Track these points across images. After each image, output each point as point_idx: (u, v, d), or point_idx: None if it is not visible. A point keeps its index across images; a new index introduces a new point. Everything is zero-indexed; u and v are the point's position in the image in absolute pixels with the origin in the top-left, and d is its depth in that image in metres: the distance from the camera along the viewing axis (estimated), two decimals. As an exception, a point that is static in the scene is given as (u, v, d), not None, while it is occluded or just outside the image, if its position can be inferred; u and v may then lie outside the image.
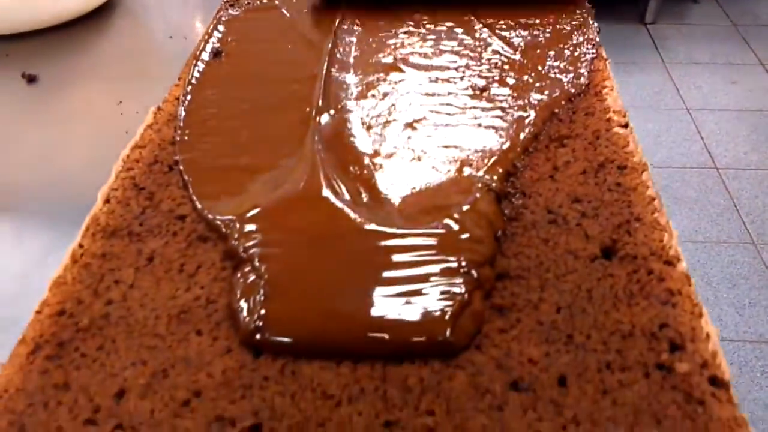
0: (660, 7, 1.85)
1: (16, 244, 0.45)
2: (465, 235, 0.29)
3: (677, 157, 1.43)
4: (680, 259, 0.28)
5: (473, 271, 0.27)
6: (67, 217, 0.47)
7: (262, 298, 0.26)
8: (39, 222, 0.47)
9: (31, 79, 0.60)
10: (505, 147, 0.35)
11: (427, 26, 0.48)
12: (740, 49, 1.79)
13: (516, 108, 0.39)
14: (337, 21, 0.49)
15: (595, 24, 0.47)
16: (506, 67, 0.43)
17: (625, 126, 0.36)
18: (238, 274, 0.28)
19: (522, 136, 0.36)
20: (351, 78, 0.43)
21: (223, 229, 0.31)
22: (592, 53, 0.43)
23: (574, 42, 0.45)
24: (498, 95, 0.40)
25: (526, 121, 0.37)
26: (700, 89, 1.66)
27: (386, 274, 0.27)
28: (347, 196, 0.32)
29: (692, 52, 1.79)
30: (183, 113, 0.41)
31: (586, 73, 0.41)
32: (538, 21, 0.47)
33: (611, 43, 1.74)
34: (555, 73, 0.42)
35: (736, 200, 1.31)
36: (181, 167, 0.36)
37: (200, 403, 0.24)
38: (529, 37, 0.46)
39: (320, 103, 0.39)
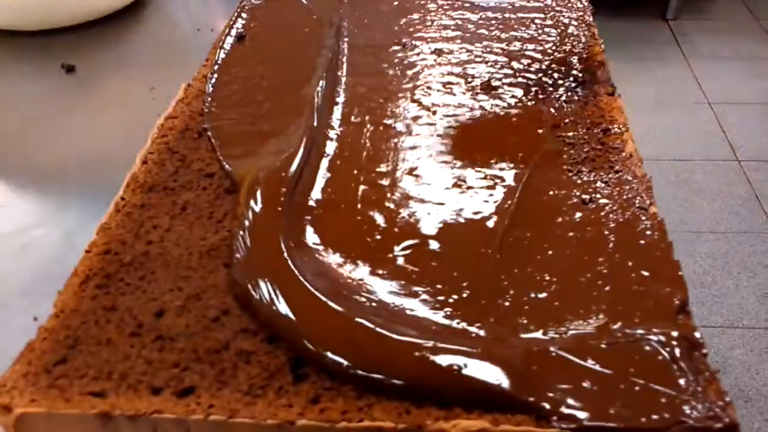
0: (682, 3, 1.85)
1: (61, 214, 0.49)
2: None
3: (699, 149, 1.44)
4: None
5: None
6: (104, 191, 0.50)
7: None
8: (80, 195, 0.50)
9: (69, 69, 0.64)
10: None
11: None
12: (762, 44, 1.79)
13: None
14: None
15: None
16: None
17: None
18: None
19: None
20: (358, 56, 0.46)
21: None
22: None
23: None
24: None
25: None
26: (722, 83, 1.66)
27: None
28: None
29: (714, 47, 1.80)
30: (210, 88, 0.44)
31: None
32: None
33: (634, 39, 1.75)
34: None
35: (758, 191, 1.31)
36: (209, 134, 0.39)
37: (228, 319, 0.27)
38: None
39: (323, 81, 0.42)
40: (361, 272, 0.30)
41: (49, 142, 0.56)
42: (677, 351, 0.25)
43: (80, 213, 0.48)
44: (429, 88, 0.42)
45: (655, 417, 0.24)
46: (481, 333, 0.27)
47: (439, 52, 0.45)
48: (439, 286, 0.29)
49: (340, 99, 0.42)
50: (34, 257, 0.45)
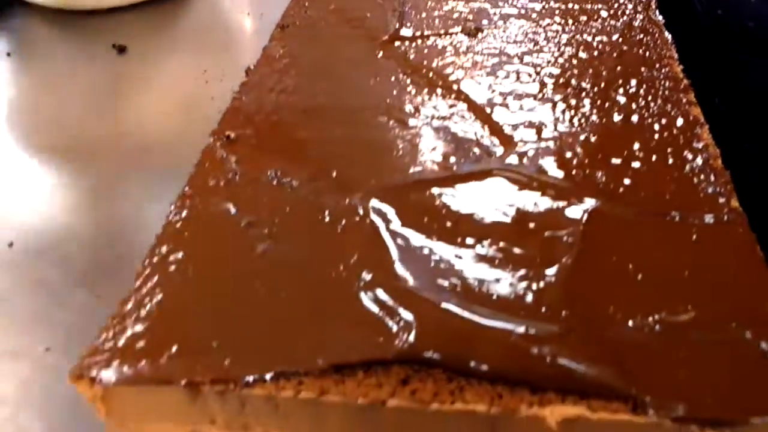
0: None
1: (115, 196, 0.49)
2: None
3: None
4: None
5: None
6: (159, 174, 0.51)
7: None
8: (134, 177, 0.50)
9: (121, 50, 0.64)
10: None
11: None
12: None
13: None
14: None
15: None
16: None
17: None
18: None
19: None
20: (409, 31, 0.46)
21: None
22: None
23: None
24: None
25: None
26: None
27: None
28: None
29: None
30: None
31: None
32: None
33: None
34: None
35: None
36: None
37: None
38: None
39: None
40: (440, 255, 0.30)
41: (101, 122, 0.56)
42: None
43: (135, 195, 0.49)
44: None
45: (751, 409, 0.23)
46: (569, 323, 0.27)
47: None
48: (522, 272, 0.29)
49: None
50: (90, 239, 0.45)
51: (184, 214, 0.33)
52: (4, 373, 0.37)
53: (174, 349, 0.26)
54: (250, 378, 0.25)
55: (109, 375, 0.26)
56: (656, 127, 0.37)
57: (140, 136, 0.54)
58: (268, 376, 0.25)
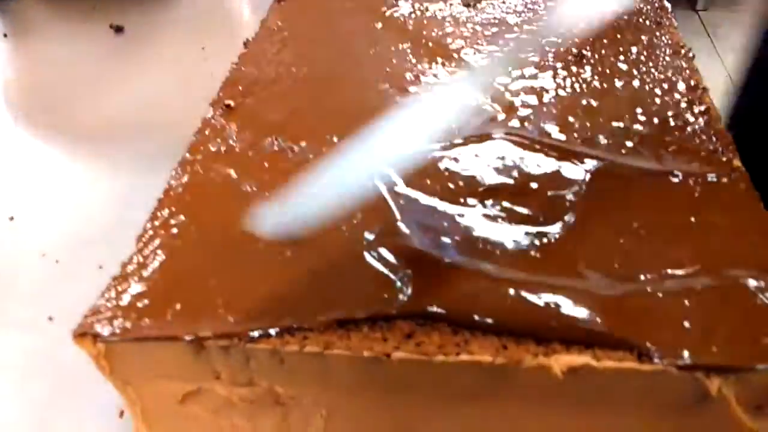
0: (712, -7, 1.83)
1: (114, 173, 0.49)
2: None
3: (728, 139, 1.42)
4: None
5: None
6: (160, 149, 0.50)
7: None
8: (132, 154, 0.50)
9: (118, 30, 0.64)
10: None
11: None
12: (794, 35, 1.76)
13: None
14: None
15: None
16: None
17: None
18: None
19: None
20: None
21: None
22: None
23: None
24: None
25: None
26: (751, 75, 1.64)
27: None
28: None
29: (746, 38, 1.77)
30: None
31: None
32: None
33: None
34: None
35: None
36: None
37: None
38: None
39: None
40: (443, 214, 0.30)
41: (99, 102, 0.56)
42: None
43: (133, 171, 0.48)
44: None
45: (756, 355, 0.23)
46: (573, 277, 0.27)
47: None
48: (525, 229, 0.29)
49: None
50: (91, 212, 0.45)
51: (185, 179, 0.33)
52: (10, 342, 0.37)
53: (178, 306, 0.26)
54: (256, 333, 0.25)
55: (111, 331, 0.26)
56: (657, 91, 0.37)
57: (140, 113, 0.54)
58: (273, 331, 0.25)
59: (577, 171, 0.32)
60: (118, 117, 0.54)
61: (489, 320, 0.25)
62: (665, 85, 0.37)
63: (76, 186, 0.48)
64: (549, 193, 0.31)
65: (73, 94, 0.57)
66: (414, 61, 0.41)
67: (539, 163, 0.32)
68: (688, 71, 0.38)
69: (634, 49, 0.41)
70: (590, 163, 0.32)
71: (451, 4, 0.47)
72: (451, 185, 0.31)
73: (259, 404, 0.27)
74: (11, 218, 0.44)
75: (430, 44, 0.42)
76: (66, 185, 0.48)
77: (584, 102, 0.36)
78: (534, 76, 0.38)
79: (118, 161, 0.50)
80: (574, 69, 0.39)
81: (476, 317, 0.25)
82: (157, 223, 0.31)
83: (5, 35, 0.65)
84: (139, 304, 0.27)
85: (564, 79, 0.38)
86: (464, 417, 0.26)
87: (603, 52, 0.40)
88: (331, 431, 0.28)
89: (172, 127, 0.53)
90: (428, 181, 0.32)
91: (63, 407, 0.34)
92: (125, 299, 0.27)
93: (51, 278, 0.41)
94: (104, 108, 0.55)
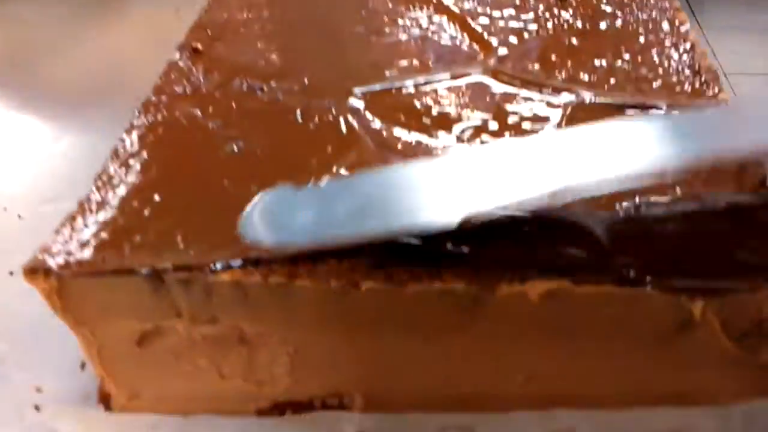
0: (697, -28, 1.82)
1: (89, 127, 0.47)
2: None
3: (714, 118, 1.42)
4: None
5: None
6: (134, 104, 0.49)
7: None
8: (110, 109, 0.48)
9: (92, -8, 0.62)
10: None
11: None
12: (780, 14, 1.76)
13: None
14: None
15: None
16: None
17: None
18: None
19: None
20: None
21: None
22: None
23: None
24: None
25: None
26: (737, 54, 1.64)
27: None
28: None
29: (729, 16, 1.77)
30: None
31: None
32: None
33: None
34: None
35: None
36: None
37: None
38: None
39: None
40: (418, 146, 0.28)
41: (69, 62, 0.54)
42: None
43: (101, 129, 0.47)
44: None
45: (742, 278, 0.22)
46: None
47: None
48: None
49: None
50: (58, 166, 0.44)
51: (148, 119, 0.31)
52: (-33, 298, 0.36)
53: (137, 239, 0.25)
54: (217, 265, 0.24)
55: (64, 266, 0.24)
56: (641, 30, 0.36)
57: (110, 73, 0.52)
58: (235, 263, 0.24)
59: (556, 106, 0.30)
60: (88, 76, 0.52)
61: (464, 249, 0.24)
62: (650, 25, 0.36)
63: (42, 143, 0.46)
64: (527, 127, 0.29)
65: (43, 54, 0.55)
66: (391, 5, 0.39)
67: (518, 99, 0.31)
68: (672, 11, 0.37)
69: (617, -8, 0.39)
70: (570, 98, 0.31)
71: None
72: (427, 120, 0.30)
73: (223, 343, 0.26)
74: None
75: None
76: (32, 142, 0.46)
77: (566, 42, 0.35)
78: (514, 17, 0.37)
79: (87, 119, 0.48)
80: (555, 11, 0.38)
81: (449, 246, 0.24)
82: (117, 162, 0.29)
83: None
84: (95, 240, 0.25)
85: (546, 21, 0.37)
86: (436, 351, 0.25)
87: (586, -6, 0.39)
88: (298, 370, 0.26)
89: (144, 86, 0.51)
90: (402, 117, 0.30)
91: (22, 362, 0.33)
92: (80, 235, 0.25)
93: (12, 233, 0.39)
94: (74, 68, 0.53)
